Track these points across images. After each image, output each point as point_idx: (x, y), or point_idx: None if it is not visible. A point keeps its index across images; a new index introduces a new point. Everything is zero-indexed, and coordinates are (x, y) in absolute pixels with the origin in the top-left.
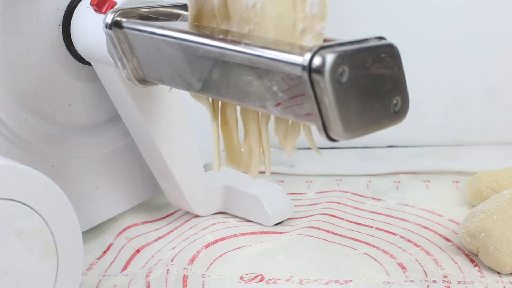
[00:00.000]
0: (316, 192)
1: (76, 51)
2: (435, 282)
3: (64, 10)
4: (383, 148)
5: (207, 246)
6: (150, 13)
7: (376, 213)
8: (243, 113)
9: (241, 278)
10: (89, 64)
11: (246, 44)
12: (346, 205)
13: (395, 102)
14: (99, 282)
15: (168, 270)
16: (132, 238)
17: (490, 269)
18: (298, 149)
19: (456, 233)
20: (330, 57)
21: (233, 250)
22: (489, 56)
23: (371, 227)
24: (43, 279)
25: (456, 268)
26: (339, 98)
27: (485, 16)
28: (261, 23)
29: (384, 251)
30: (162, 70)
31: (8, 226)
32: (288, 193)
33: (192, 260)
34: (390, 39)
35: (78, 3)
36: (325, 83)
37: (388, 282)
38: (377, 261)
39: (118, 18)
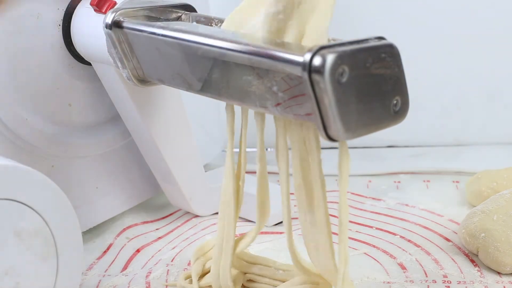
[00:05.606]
0: None
1: (76, 51)
2: (435, 282)
3: (64, 10)
4: (383, 148)
5: None
6: (150, 13)
7: (376, 213)
8: None
9: None
10: (89, 64)
11: (246, 44)
12: None
13: (395, 102)
14: (99, 282)
15: (168, 270)
16: (132, 238)
17: (490, 269)
18: None
19: (456, 233)
20: (330, 57)
21: None
22: (489, 56)
23: (371, 227)
24: (43, 279)
25: (456, 268)
26: (339, 98)
27: (485, 17)
28: None
29: (384, 251)
30: (162, 70)
31: (8, 226)
32: None
33: None
34: (390, 39)
35: (78, 3)
36: (325, 83)
37: (388, 282)
38: (377, 261)
39: (118, 18)
